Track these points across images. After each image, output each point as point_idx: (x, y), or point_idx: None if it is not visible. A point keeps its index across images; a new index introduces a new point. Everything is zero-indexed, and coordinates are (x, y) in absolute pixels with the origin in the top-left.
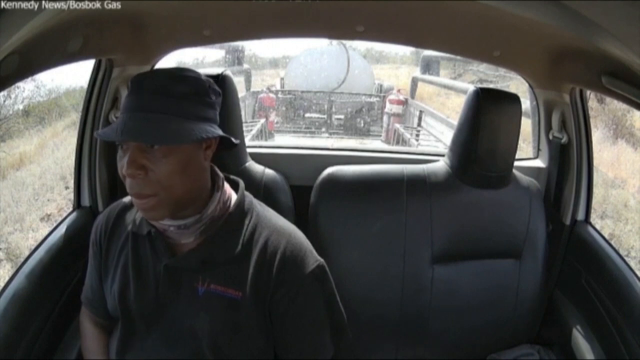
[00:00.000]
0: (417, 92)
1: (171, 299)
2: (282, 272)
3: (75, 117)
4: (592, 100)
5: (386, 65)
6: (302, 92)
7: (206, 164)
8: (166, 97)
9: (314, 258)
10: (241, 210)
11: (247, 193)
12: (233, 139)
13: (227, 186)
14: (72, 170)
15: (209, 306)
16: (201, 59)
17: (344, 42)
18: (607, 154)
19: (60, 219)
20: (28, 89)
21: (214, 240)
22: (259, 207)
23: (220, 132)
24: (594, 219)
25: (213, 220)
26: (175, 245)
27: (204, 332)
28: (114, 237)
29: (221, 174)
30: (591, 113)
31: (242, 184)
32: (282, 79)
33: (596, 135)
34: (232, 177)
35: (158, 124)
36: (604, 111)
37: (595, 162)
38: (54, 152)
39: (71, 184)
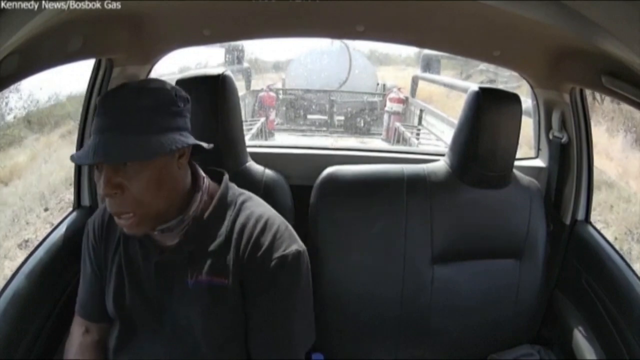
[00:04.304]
0: (424, 94)
1: (165, 296)
2: (254, 256)
3: (71, 126)
4: (607, 101)
5: (390, 67)
6: (304, 91)
7: (181, 171)
8: (131, 113)
9: (288, 244)
10: (224, 203)
11: (232, 185)
12: (204, 145)
13: (208, 183)
14: (54, 187)
15: (199, 297)
16: (204, 63)
17: (346, 41)
18: (635, 163)
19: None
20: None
21: (198, 234)
22: (243, 197)
23: (190, 141)
24: (629, 241)
25: (196, 218)
26: (162, 242)
27: (198, 323)
28: (109, 239)
29: (202, 174)
30: (606, 114)
31: (226, 176)
32: (283, 79)
33: (618, 142)
34: (217, 169)
35: (127, 142)
36: (621, 113)
37: (618, 173)
38: (42, 166)
39: (51, 204)
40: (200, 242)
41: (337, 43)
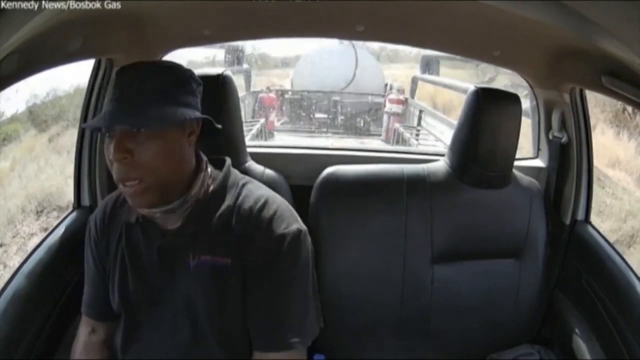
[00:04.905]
0: (439, 101)
1: (168, 279)
2: (254, 234)
3: (60, 127)
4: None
5: (401, 64)
6: (309, 92)
7: (189, 149)
8: (147, 84)
9: (289, 223)
10: (224, 185)
11: (233, 170)
12: (215, 124)
13: (211, 168)
14: (11, 215)
15: (201, 277)
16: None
17: (353, 41)
18: None
19: None
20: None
21: (199, 215)
22: (244, 180)
23: (201, 116)
24: None
25: (198, 201)
26: (164, 226)
27: (201, 306)
28: (111, 233)
29: (204, 157)
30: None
31: (228, 161)
32: (291, 79)
33: None
34: (219, 157)
35: (142, 109)
36: None
37: None
38: (12, 183)
39: (7, 238)
40: (202, 224)
41: (344, 42)
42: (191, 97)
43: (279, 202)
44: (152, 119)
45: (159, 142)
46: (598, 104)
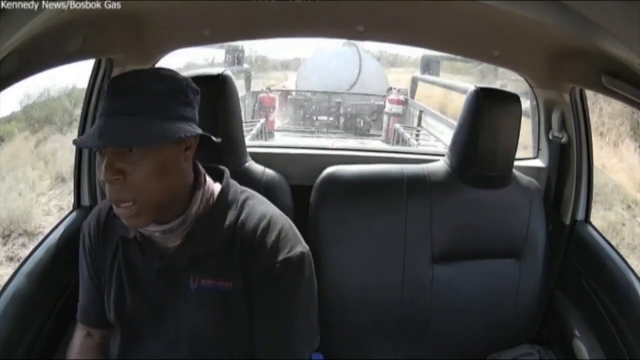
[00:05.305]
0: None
1: (167, 301)
2: (257, 258)
3: (47, 131)
4: None
5: (401, 68)
6: (312, 93)
7: (186, 165)
8: (141, 97)
9: (292, 246)
10: (225, 201)
11: (232, 182)
12: (213, 138)
13: (209, 181)
14: None
15: (202, 301)
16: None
17: (357, 43)
18: None
19: None
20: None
21: (199, 235)
22: (244, 194)
23: (199, 131)
24: None
25: (198, 218)
26: (163, 245)
27: (202, 328)
28: (107, 243)
29: (202, 170)
30: None
31: (227, 173)
32: (295, 81)
33: None
34: (217, 167)
35: (135, 126)
36: None
37: None
38: None
39: None
40: (202, 244)
41: (347, 44)
42: (188, 108)
43: (282, 222)
44: (145, 138)
45: (153, 160)
46: (615, 115)
